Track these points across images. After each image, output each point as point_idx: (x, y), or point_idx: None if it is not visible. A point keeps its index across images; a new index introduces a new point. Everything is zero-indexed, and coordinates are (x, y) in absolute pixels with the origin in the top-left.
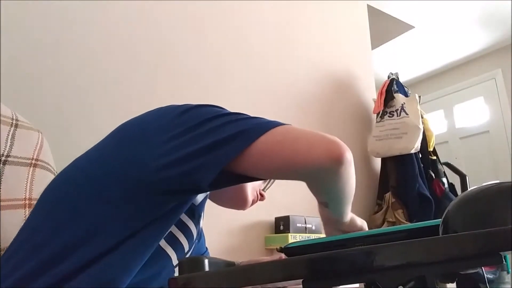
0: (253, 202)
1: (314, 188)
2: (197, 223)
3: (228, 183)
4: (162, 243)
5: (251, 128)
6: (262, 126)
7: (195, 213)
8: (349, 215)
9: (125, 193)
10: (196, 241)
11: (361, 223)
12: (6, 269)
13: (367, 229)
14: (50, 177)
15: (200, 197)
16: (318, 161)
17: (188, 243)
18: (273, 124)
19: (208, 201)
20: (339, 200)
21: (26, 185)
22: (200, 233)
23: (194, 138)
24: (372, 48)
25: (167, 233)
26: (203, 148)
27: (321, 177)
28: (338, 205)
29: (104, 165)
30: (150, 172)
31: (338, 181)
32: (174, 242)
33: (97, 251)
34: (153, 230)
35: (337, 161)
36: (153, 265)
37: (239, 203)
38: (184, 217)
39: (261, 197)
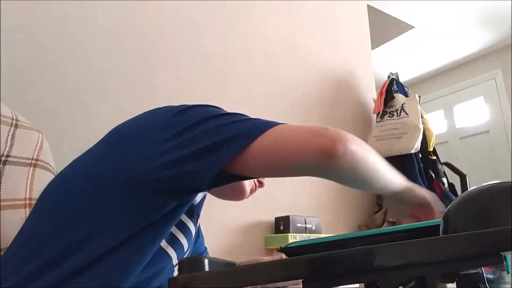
0: (252, 191)
1: (325, 178)
2: (195, 222)
3: (225, 182)
4: (163, 243)
5: (247, 130)
6: (258, 128)
7: (194, 212)
8: (394, 186)
9: (124, 193)
10: (194, 240)
11: (427, 194)
12: (7, 270)
13: (434, 201)
14: (50, 177)
15: (198, 196)
16: (311, 160)
17: (188, 242)
18: (268, 126)
19: (207, 202)
20: (359, 183)
21: (26, 185)
22: (198, 232)
23: (191, 139)
24: (372, 48)
25: (167, 233)
26: (201, 149)
27: (321, 172)
28: (364, 187)
29: (101, 166)
30: (147, 172)
31: (340, 171)
32: (174, 242)
33: (98, 252)
34: (154, 231)
35: (329, 156)
36: (154, 265)
37: (237, 194)
38: (184, 217)
39: (260, 184)
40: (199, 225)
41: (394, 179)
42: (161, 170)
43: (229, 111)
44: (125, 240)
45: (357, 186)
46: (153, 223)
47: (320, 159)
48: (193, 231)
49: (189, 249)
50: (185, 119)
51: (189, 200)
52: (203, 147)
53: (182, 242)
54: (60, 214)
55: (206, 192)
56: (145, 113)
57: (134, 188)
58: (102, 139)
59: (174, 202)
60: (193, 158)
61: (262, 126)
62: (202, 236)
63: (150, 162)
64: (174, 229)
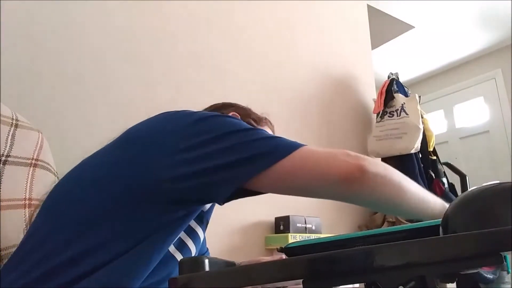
0: None
1: (348, 203)
2: (204, 228)
3: (240, 197)
4: (172, 248)
5: (270, 150)
6: (282, 149)
7: (204, 219)
8: (431, 210)
9: (134, 199)
10: None
11: None
12: (17, 273)
13: None
14: (50, 177)
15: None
16: (330, 186)
17: (196, 247)
18: (292, 148)
19: None
20: (385, 207)
21: (26, 185)
22: None
23: (212, 152)
24: (372, 48)
25: (176, 239)
26: (222, 165)
27: (342, 198)
28: (392, 210)
29: (112, 170)
30: (162, 181)
31: (361, 197)
32: (183, 247)
33: (106, 257)
34: (161, 236)
35: (348, 183)
36: (162, 270)
37: None
38: (193, 223)
39: None
40: None
41: (429, 202)
42: (179, 181)
43: (250, 127)
44: (133, 245)
45: (385, 210)
46: (161, 229)
47: (340, 186)
48: (202, 236)
49: (196, 254)
50: (207, 129)
51: (199, 208)
52: (224, 163)
53: (191, 248)
54: (70, 219)
55: None
56: (159, 116)
57: (146, 195)
58: (113, 141)
59: (185, 210)
60: (213, 172)
61: (286, 148)
62: (205, 237)
63: (166, 171)
64: (183, 235)
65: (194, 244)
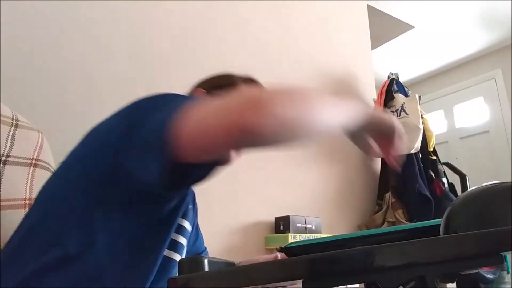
0: None
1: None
2: (190, 219)
3: (191, 181)
4: (166, 252)
5: (159, 127)
6: (169, 117)
7: (187, 212)
8: (348, 121)
9: (106, 198)
10: (193, 239)
11: (395, 121)
12: (12, 271)
13: (399, 131)
14: None
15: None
16: (229, 141)
17: (186, 240)
18: (180, 109)
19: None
20: (301, 139)
21: (26, 185)
22: (197, 232)
23: (137, 137)
24: (372, 48)
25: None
26: (140, 151)
27: (249, 146)
28: (309, 139)
29: (78, 169)
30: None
31: (267, 139)
32: (175, 247)
33: (99, 256)
34: (154, 236)
35: (244, 133)
36: (166, 275)
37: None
38: (179, 220)
39: None
40: (198, 224)
41: (345, 114)
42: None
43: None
44: (124, 246)
45: (300, 141)
46: (148, 230)
47: (236, 138)
48: (189, 227)
49: (187, 245)
50: (137, 114)
51: (181, 207)
52: (145, 143)
53: (182, 242)
54: (59, 218)
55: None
56: (117, 111)
57: (111, 190)
58: (81, 139)
59: (166, 204)
60: (141, 158)
61: (174, 113)
62: (202, 236)
63: (117, 158)
64: (174, 235)
65: (184, 237)
